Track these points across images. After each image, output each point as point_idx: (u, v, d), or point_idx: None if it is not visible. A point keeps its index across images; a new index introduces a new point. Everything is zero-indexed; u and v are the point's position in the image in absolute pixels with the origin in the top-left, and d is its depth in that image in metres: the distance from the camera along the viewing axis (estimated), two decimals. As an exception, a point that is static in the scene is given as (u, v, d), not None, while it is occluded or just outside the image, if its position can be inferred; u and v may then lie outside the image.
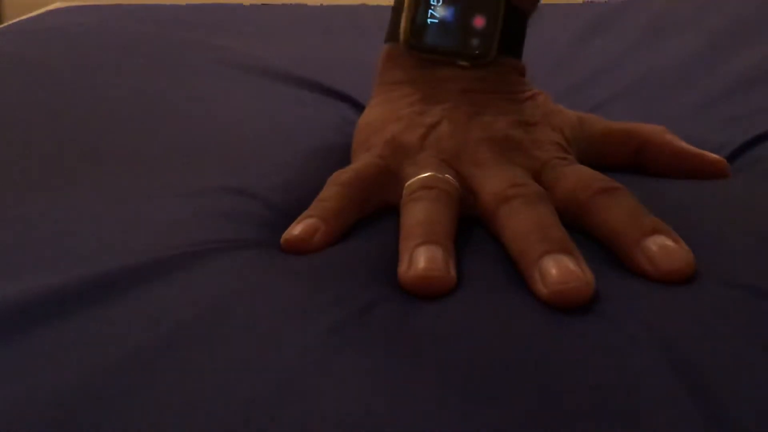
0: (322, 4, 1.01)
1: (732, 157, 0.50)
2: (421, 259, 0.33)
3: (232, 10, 0.99)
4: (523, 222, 0.35)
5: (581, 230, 0.37)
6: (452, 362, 0.27)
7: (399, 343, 0.28)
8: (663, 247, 0.33)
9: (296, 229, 0.37)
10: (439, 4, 0.44)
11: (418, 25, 0.44)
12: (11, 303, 0.30)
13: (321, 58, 0.75)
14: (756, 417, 0.24)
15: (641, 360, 0.27)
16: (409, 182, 0.39)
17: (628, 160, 0.47)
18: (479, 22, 0.44)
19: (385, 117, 0.44)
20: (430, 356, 0.27)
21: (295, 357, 0.27)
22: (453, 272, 0.33)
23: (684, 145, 0.46)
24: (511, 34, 0.45)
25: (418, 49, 0.45)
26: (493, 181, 0.39)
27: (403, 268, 0.33)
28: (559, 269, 0.32)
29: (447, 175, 0.39)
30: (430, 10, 0.44)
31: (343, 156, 0.47)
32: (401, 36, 0.45)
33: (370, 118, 0.46)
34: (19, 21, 0.95)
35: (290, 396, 0.25)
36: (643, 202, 0.37)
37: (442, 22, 0.44)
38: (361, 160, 0.42)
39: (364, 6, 0.99)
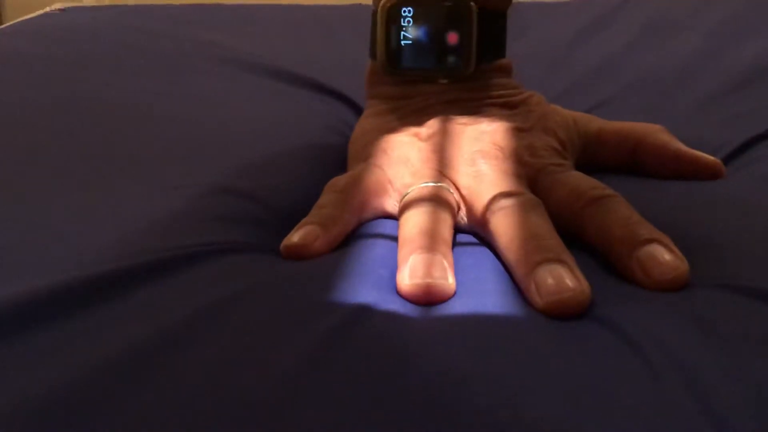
0: (321, 5, 1.01)
1: (730, 158, 0.50)
2: (420, 267, 0.33)
3: (233, 10, 0.99)
4: (518, 231, 0.35)
5: (576, 239, 0.37)
6: (449, 370, 0.27)
7: (395, 351, 0.28)
8: (656, 257, 0.33)
9: (296, 235, 0.37)
10: (410, 25, 0.43)
11: (393, 50, 0.44)
12: (11, 303, 0.30)
13: (321, 58, 0.75)
14: (755, 418, 0.24)
15: (640, 363, 0.27)
16: (406, 192, 0.39)
17: (623, 161, 0.47)
18: (453, 38, 0.44)
19: (379, 128, 0.44)
20: (426, 364, 0.27)
21: (291, 361, 0.27)
22: (452, 280, 0.33)
23: (679, 146, 0.46)
24: (489, 38, 0.45)
25: (397, 74, 0.45)
26: (488, 192, 0.38)
27: (401, 276, 0.33)
28: (554, 279, 0.31)
29: (443, 185, 0.39)
30: (402, 32, 0.44)
31: (341, 158, 0.47)
32: (378, 62, 0.45)
33: (364, 129, 0.46)
34: (19, 21, 0.95)
35: (286, 399, 0.25)
36: (638, 204, 0.37)
37: (416, 43, 0.44)
38: (359, 168, 0.42)
39: (363, 6, 0.99)
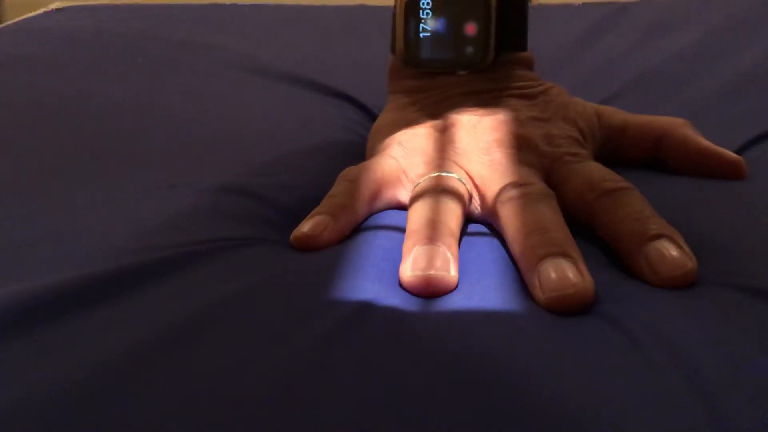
0: (321, 5, 1.01)
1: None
2: (422, 258, 0.33)
3: (232, 10, 0.99)
4: (525, 222, 0.35)
5: (589, 231, 0.37)
6: (449, 364, 0.27)
7: (397, 344, 0.28)
8: (664, 254, 0.33)
9: (305, 226, 0.37)
10: (429, 17, 0.44)
11: (412, 41, 0.44)
12: (11, 303, 0.30)
13: (321, 58, 0.75)
14: (756, 418, 0.24)
15: (641, 361, 0.27)
16: (418, 181, 0.39)
17: (647, 154, 0.47)
18: (471, 29, 0.44)
19: (397, 121, 0.44)
20: (428, 357, 0.27)
21: (294, 358, 0.27)
22: (454, 272, 0.33)
23: (703, 141, 0.46)
24: (509, 29, 0.45)
25: (415, 65, 0.45)
26: (500, 180, 0.38)
27: (404, 268, 0.33)
28: (557, 274, 0.31)
29: (454, 175, 0.39)
30: (421, 24, 0.44)
31: (345, 154, 0.47)
32: (397, 53, 0.45)
33: (383, 123, 0.46)
34: (19, 21, 0.95)
35: (290, 397, 0.25)
36: (653, 198, 0.36)
37: (435, 34, 0.44)
38: (373, 158, 0.42)
39: (363, 7, 0.99)
